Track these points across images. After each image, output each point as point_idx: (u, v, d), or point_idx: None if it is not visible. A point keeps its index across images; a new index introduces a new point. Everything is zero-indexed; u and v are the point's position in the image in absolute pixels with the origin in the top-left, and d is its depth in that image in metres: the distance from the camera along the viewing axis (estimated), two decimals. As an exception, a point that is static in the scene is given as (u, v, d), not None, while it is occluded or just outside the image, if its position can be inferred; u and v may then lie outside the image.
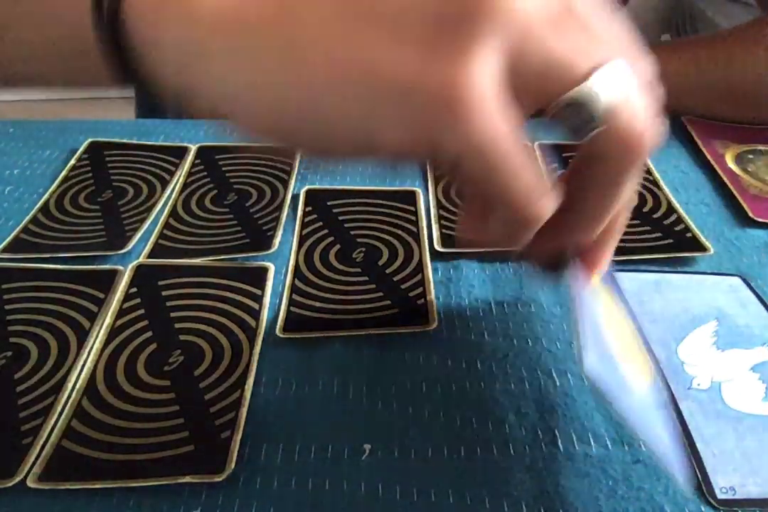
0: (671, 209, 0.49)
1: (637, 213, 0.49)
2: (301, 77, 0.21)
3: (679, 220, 0.48)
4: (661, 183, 0.52)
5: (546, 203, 0.23)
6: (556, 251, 0.26)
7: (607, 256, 0.28)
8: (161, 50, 0.24)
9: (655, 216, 0.48)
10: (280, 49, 0.21)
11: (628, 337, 0.32)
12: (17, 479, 0.30)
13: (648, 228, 0.47)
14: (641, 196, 0.50)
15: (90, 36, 0.25)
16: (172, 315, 0.39)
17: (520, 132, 0.21)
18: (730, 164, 0.54)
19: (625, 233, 0.46)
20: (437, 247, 0.45)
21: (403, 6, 0.20)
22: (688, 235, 0.46)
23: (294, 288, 0.41)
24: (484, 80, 0.19)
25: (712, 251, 0.44)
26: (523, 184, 0.22)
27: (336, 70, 0.20)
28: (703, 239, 0.46)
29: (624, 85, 0.21)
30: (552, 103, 0.21)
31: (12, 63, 0.32)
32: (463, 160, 0.21)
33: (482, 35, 0.19)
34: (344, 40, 0.20)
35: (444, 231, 0.46)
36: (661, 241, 0.46)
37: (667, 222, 0.48)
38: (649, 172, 0.54)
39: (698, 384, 0.36)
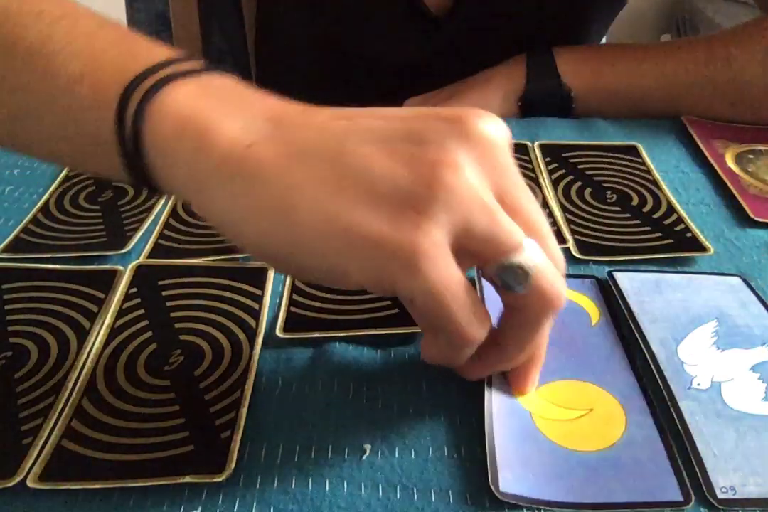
0: (671, 209, 0.49)
1: (637, 213, 0.49)
2: (289, 226, 0.26)
3: (679, 220, 0.48)
4: (661, 183, 0.52)
5: (479, 332, 0.28)
6: (486, 373, 0.34)
7: (529, 380, 0.34)
8: (174, 169, 0.28)
9: (655, 216, 0.48)
10: (272, 198, 0.26)
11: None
12: (17, 479, 0.30)
13: (648, 228, 0.47)
14: (641, 196, 0.51)
15: (108, 142, 0.28)
16: (172, 315, 0.39)
17: (462, 278, 0.26)
18: (730, 164, 0.54)
19: (625, 233, 0.46)
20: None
21: (380, 180, 0.25)
22: (688, 235, 0.46)
23: (294, 288, 0.41)
24: (435, 243, 0.25)
25: (712, 251, 0.44)
26: (463, 317, 0.26)
27: (319, 225, 0.25)
28: (703, 239, 0.46)
29: (541, 257, 0.27)
30: (488, 266, 0.27)
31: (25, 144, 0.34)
32: (416, 299, 0.26)
33: (435, 212, 0.25)
34: (330, 200, 0.25)
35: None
36: (661, 240, 0.46)
37: (667, 222, 0.48)
38: (649, 171, 0.54)
39: (698, 384, 0.36)
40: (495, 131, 0.27)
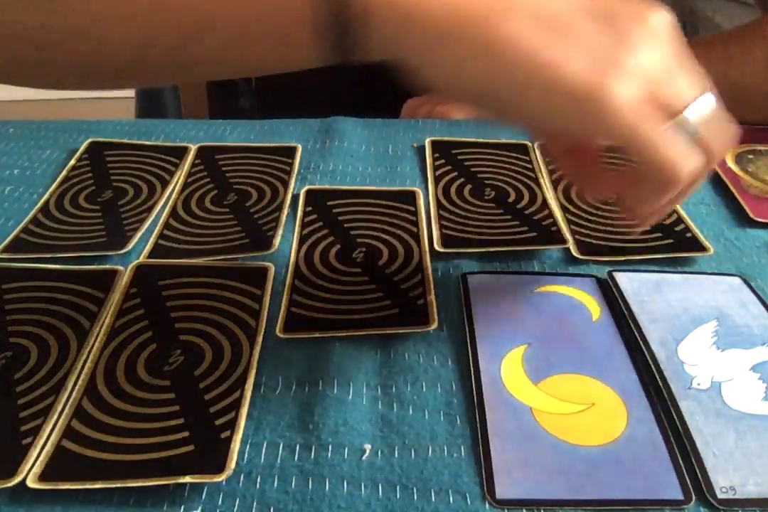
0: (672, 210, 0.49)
1: None
2: (501, 72, 0.29)
3: (680, 220, 0.48)
4: None
5: (689, 172, 0.30)
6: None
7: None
8: (389, 29, 0.29)
9: None
10: (488, 47, 0.28)
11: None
12: (17, 479, 0.30)
13: (648, 228, 0.47)
14: None
15: (301, 17, 0.29)
16: (172, 315, 0.39)
17: (659, 124, 0.29)
18: (730, 164, 0.54)
19: (625, 233, 0.46)
20: (437, 247, 0.45)
21: (590, 36, 0.29)
22: (688, 234, 0.46)
23: (294, 288, 0.41)
24: (631, 96, 0.28)
25: (712, 251, 0.44)
26: (672, 156, 0.30)
27: (531, 71, 0.28)
28: (703, 239, 0.46)
29: (712, 115, 0.31)
30: (672, 118, 0.30)
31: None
32: (621, 140, 0.29)
33: (628, 71, 0.28)
34: (542, 50, 0.28)
35: (444, 231, 0.46)
36: (661, 240, 0.46)
37: (667, 222, 0.48)
38: None
39: (698, 384, 0.36)
40: (667, 22, 0.31)
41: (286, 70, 0.33)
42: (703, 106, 0.31)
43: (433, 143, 0.57)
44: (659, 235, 0.46)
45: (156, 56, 0.32)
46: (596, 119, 0.28)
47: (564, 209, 0.49)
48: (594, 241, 0.46)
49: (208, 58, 0.32)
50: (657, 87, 0.29)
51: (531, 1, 0.29)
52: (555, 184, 0.52)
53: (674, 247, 0.45)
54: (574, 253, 0.45)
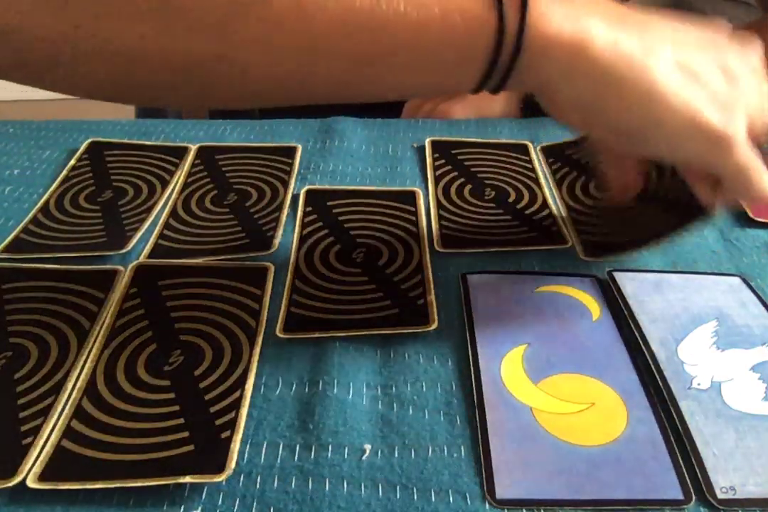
0: None
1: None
2: (656, 114, 0.33)
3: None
4: None
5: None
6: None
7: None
8: (548, 66, 0.32)
9: None
10: (642, 93, 0.32)
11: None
12: (17, 479, 0.30)
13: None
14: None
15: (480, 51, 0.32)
16: (172, 315, 0.39)
17: (759, 157, 0.35)
18: (730, 164, 0.54)
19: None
20: (437, 247, 0.45)
21: (716, 85, 0.34)
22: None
23: (294, 288, 0.41)
24: (742, 134, 0.34)
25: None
26: (765, 182, 0.35)
27: (678, 116, 0.33)
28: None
29: None
30: (765, 141, 0.36)
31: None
32: (731, 174, 0.35)
33: (740, 113, 0.34)
34: (685, 95, 0.33)
35: (444, 231, 0.46)
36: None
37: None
38: None
39: (698, 384, 0.36)
40: (760, 56, 0.37)
41: (433, 95, 0.35)
42: None
43: (433, 143, 0.57)
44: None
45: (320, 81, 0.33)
46: (720, 158, 0.34)
47: (569, 208, 0.49)
48: (601, 239, 0.46)
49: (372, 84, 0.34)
50: (758, 116, 0.35)
51: (665, 41, 0.34)
52: (559, 183, 0.52)
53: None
54: (580, 253, 0.45)
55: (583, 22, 0.32)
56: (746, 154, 0.34)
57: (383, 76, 0.33)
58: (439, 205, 0.49)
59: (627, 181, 0.42)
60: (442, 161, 0.55)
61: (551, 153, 0.56)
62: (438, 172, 0.53)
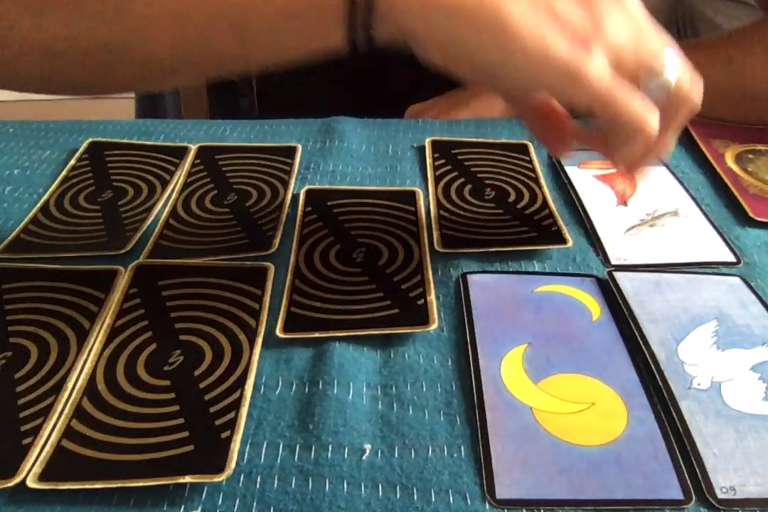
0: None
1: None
2: (507, 51, 0.34)
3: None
4: None
5: (652, 115, 0.35)
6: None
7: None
8: (409, 11, 0.34)
9: None
10: (498, 29, 0.33)
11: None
12: (17, 479, 0.30)
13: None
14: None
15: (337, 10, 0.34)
16: (172, 315, 0.39)
17: (626, 84, 0.35)
18: (730, 164, 0.54)
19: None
20: (437, 247, 0.45)
21: (570, 18, 0.34)
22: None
23: (294, 288, 0.41)
24: (600, 67, 0.34)
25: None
26: (636, 111, 0.35)
27: (528, 49, 0.33)
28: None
29: (677, 62, 0.37)
30: (643, 81, 0.36)
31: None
32: (592, 104, 0.35)
33: (597, 47, 0.34)
34: (536, 29, 0.33)
35: (444, 231, 0.46)
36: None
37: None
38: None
39: (698, 384, 0.36)
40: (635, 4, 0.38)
41: (308, 56, 0.37)
42: (670, 58, 0.37)
43: (433, 143, 0.57)
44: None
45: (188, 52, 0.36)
46: (575, 89, 0.34)
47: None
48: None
49: (237, 51, 0.37)
50: (629, 54, 0.35)
51: None
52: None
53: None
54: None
55: None
56: (605, 85, 0.34)
57: (259, 38, 0.36)
58: (439, 205, 0.49)
59: (552, 135, 0.43)
60: (443, 161, 0.55)
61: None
62: (438, 172, 0.53)
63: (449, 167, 0.54)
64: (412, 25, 0.35)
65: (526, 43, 0.34)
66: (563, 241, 0.45)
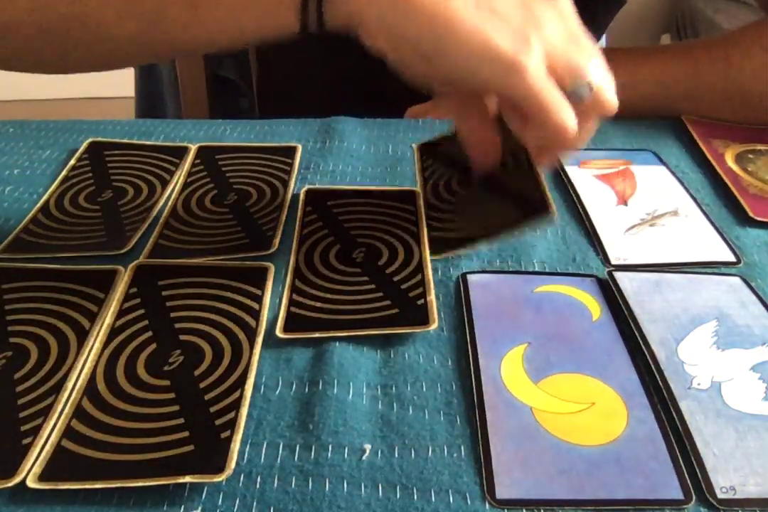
0: None
1: None
2: (450, 43, 0.36)
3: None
4: None
5: (571, 117, 0.38)
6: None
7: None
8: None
9: None
10: (437, 17, 0.36)
11: None
12: (17, 479, 0.30)
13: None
14: None
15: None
16: (172, 315, 0.39)
17: (554, 84, 0.37)
18: (730, 164, 0.54)
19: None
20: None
21: (507, 12, 0.37)
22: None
23: (294, 288, 0.41)
24: (536, 63, 0.36)
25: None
26: (562, 110, 0.37)
27: (471, 40, 0.36)
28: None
29: (603, 75, 0.39)
30: (569, 83, 0.38)
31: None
32: (526, 97, 0.36)
33: (536, 44, 0.36)
34: (477, 21, 0.36)
35: (433, 233, 0.46)
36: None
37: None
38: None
39: (698, 384, 0.36)
40: (569, 3, 0.40)
41: (262, 36, 0.39)
42: (597, 67, 0.39)
43: (421, 148, 0.56)
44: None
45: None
46: (514, 80, 0.36)
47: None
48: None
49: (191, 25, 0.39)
50: (560, 56, 0.37)
51: None
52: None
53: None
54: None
55: None
56: (540, 83, 0.36)
57: (212, 16, 0.38)
58: (429, 206, 0.49)
59: (481, 138, 0.43)
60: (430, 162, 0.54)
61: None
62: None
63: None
64: (360, 11, 0.37)
65: (469, 32, 0.35)
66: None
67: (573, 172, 0.54)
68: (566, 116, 0.37)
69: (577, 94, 0.38)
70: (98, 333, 0.38)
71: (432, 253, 0.44)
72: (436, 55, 0.36)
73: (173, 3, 0.37)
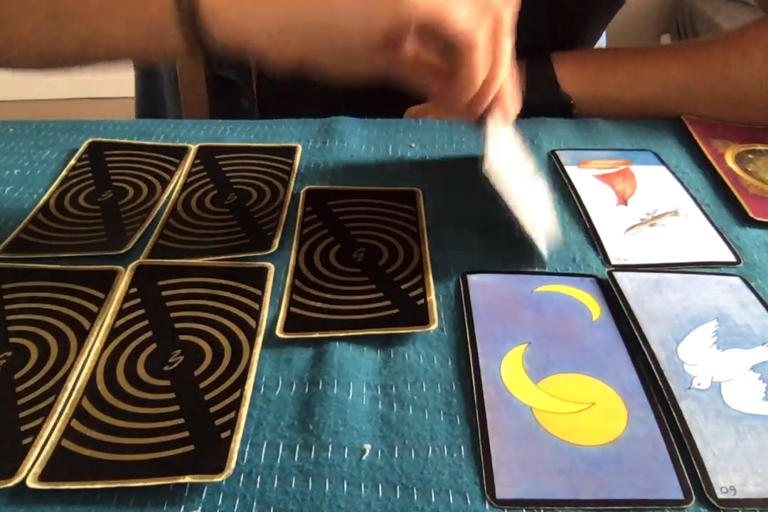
0: None
1: None
2: (317, 4, 0.36)
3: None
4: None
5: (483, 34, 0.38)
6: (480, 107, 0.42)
7: (504, 102, 0.43)
8: (225, 13, 0.37)
9: None
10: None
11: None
12: (17, 479, 0.30)
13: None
14: None
15: (169, 22, 0.37)
16: (172, 315, 0.39)
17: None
18: (730, 164, 0.54)
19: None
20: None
21: None
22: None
23: (294, 288, 0.41)
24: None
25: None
26: (464, 19, 0.37)
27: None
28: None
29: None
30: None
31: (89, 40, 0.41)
32: (427, 15, 0.36)
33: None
34: None
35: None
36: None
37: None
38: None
39: (698, 384, 0.36)
40: None
41: (153, 55, 0.42)
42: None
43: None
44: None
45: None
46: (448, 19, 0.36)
47: None
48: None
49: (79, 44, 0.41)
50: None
51: None
52: None
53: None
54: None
55: None
56: (475, 24, 0.36)
57: (102, 28, 0.40)
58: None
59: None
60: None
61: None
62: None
63: None
64: (240, 24, 0.38)
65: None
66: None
67: (573, 172, 0.54)
68: (468, 21, 0.37)
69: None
70: (98, 333, 0.38)
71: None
72: (326, 25, 0.37)
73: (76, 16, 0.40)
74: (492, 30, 0.39)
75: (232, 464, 0.31)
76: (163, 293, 0.41)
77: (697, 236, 0.47)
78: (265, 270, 0.43)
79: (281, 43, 0.38)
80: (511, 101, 0.44)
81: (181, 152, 0.55)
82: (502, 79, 0.41)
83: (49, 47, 0.42)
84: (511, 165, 0.44)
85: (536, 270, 0.44)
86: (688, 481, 0.31)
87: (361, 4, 0.36)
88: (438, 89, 0.43)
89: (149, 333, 0.38)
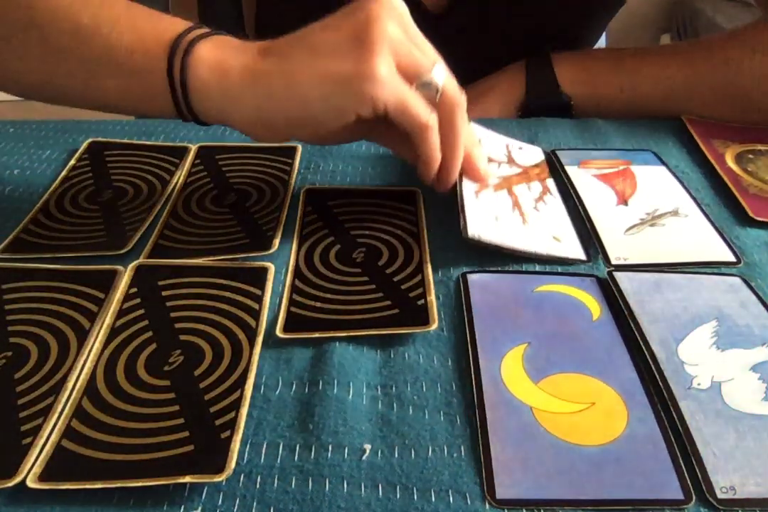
0: None
1: None
2: (294, 91, 0.39)
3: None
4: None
5: (432, 115, 0.41)
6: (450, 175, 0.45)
7: (478, 166, 0.46)
8: (210, 95, 0.42)
9: None
10: (280, 81, 0.40)
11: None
12: (17, 479, 0.30)
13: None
14: None
15: (161, 91, 0.42)
16: (172, 315, 0.39)
17: (409, 87, 0.40)
18: (730, 164, 0.54)
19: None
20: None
21: (332, 43, 0.39)
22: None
23: (294, 288, 0.41)
24: (384, 69, 0.38)
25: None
26: (418, 108, 0.40)
27: (312, 81, 0.39)
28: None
29: (445, 73, 0.41)
30: (415, 83, 0.40)
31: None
32: (388, 105, 0.39)
33: (377, 49, 0.38)
34: (311, 66, 0.39)
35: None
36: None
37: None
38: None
39: (698, 384, 0.36)
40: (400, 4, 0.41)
41: (144, 112, 0.45)
42: (440, 69, 0.41)
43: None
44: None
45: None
46: (364, 93, 0.38)
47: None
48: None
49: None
50: (404, 57, 0.39)
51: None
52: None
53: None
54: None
55: (226, 56, 0.41)
56: (395, 85, 0.38)
57: (103, 86, 0.43)
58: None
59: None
60: None
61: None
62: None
63: None
64: (223, 109, 0.42)
65: (309, 82, 0.38)
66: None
67: (573, 172, 0.54)
68: (422, 106, 0.39)
69: (425, 90, 0.40)
70: (98, 333, 0.38)
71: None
72: (300, 112, 0.40)
73: (74, 68, 0.43)
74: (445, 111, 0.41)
75: (232, 464, 0.31)
76: (163, 293, 0.41)
77: (697, 236, 0.47)
78: (265, 270, 0.43)
79: (262, 128, 0.42)
80: (484, 165, 0.47)
81: (181, 152, 0.55)
82: (461, 151, 0.44)
83: (44, 100, 0.48)
84: (498, 210, 0.46)
85: (536, 269, 0.44)
86: (688, 481, 0.31)
87: (330, 99, 0.39)
88: (410, 158, 0.46)
89: (149, 333, 0.38)
